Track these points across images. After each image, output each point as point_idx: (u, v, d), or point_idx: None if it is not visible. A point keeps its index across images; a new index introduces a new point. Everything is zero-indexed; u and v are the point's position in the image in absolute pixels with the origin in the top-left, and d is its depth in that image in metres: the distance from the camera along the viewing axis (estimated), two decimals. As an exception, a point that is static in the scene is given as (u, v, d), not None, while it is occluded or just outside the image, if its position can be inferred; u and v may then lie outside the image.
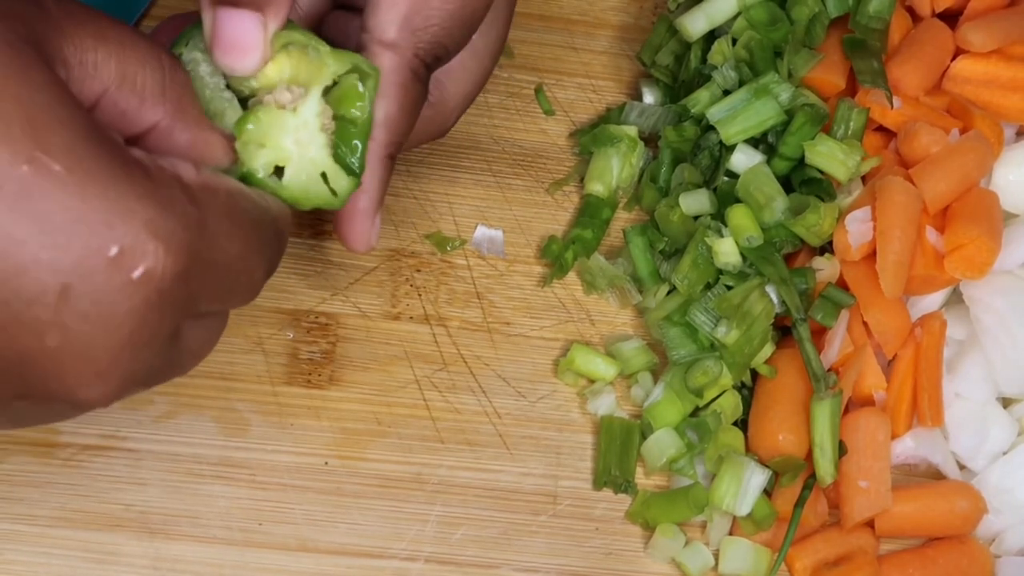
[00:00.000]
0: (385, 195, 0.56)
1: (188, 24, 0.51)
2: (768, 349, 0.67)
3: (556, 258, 0.72)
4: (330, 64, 0.51)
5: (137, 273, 0.42)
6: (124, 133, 0.46)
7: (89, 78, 0.44)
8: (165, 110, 0.46)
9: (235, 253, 0.46)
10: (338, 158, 0.52)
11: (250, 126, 0.49)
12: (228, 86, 0.50)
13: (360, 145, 0.52)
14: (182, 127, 0.47)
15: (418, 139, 0.59)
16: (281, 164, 0.51)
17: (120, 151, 0.42)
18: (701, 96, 0.71)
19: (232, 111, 0.50)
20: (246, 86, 0.50)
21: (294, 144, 0.51)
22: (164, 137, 0.47)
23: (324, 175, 0.52)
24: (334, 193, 0.52)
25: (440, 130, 0.61)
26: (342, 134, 0.52)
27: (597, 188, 0.73)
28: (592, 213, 0.73)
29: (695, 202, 0.70)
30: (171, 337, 0.45)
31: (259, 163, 0.50)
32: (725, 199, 0.69)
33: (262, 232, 0.48)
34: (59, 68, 0.42)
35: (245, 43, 0.49)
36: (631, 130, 0.73)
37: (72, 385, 0.43)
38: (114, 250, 0.41)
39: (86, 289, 0.41)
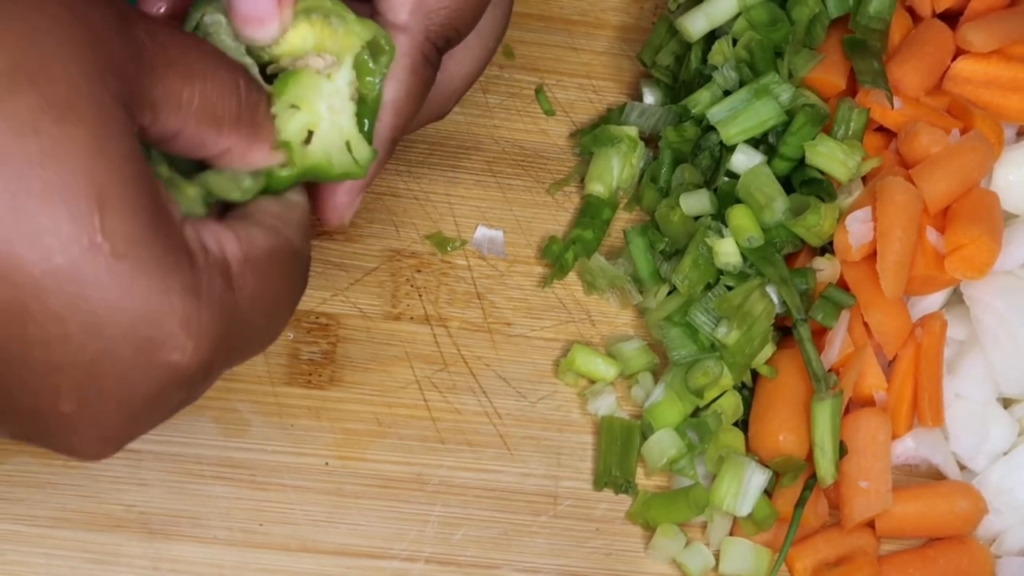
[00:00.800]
0: (375, 177, 0.56)
1: None
2: (768, 349, 0.67)
3: (556, 258, 0.72)
4: (358, 32, 0.51)
5: (163, 363, 0.43)
6: (197, 156, 0.47)
7: (173, 115, 0.45)
8: (240, 135, 0.47)
9: (264, 324, 0.47)
10: (360, 128, 0.52)
11: (292, 87, 0.50)
12: (249, 51, 0.51)
13: (368, 123, 0.52)
14: (256, 148, 0.48)
15: (418, 121, 0.59)
16: (312, 129, 0.51)
17: (174, 238, 0.43)
18: (701, 96, 0.71)
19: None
20: (267, 53, 0.51)
21: (327, 110, 0.51)
22: (238, 157, 0.48)
23: (348, 144, 0.52)
24: (357, 163, 0.52)
25: (440, 112, 0.61)
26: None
27: (597, 188, 0.73)
28: (592, 213, 0.73)
29: (695, 202, 0.70)
30: (179, 405, 0.46)
31: (294, 127, 0.50)
32: (725, 199, 0.69)
33: (294, 282, 0.49)
34: (147, 111, 0.43)
35: (261, 14, 0.49)
36: (631, 130, 0.73)
37: (74, 443, 0.45)
38: (146, 341, 0.42)
39: (110, 370, 0.42)
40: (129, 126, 0.42)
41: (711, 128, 0.70)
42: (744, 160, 0.69)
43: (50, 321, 0.41)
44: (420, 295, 0.71)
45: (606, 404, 0.69)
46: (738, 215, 0.68)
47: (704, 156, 0.71)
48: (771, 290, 0.67)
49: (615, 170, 0.73)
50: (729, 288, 0.67)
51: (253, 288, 0.46)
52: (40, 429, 0.44)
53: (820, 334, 0.68)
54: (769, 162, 0.69)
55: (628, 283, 0.71)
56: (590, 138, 0.74)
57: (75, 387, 0.42)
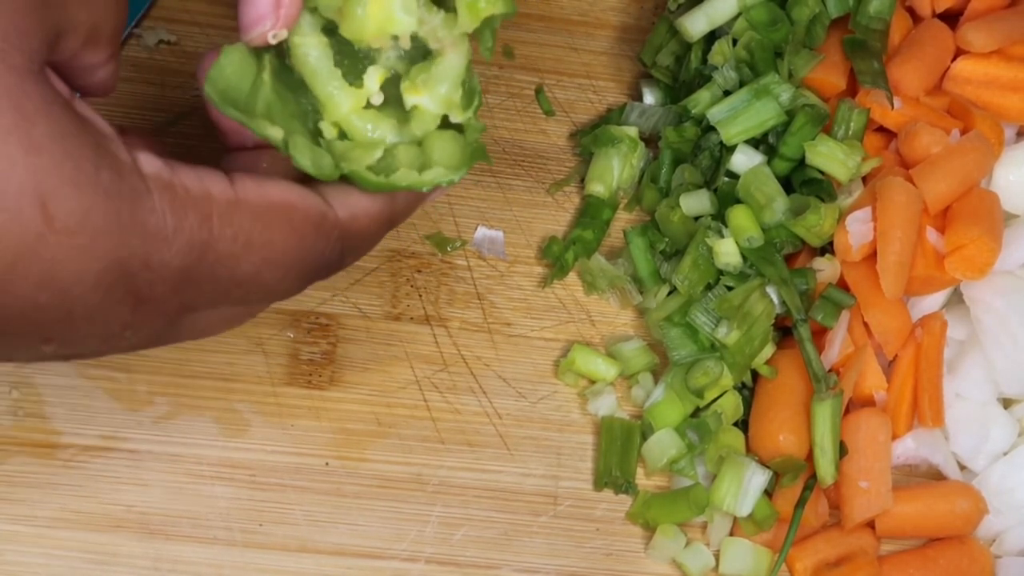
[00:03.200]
0: None
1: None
2: (769, 350, 0.68)
3: (557, 259, 0.72)
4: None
5: (131, 298, 0.44)
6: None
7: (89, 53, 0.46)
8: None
9: (258, 272, 0.48)
10: None
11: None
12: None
13: None
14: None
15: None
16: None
17: (128, 186, 0.43)
18: (702, 97, 0.72)
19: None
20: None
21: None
22: None
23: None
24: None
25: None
26: None
27: (598, 189, 0.73)
28: (593, 214, 0.73)
29: (696, 203, 0.70)
30: (165, 324, 0.47)
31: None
32: (725, 200, 0.69)
33: (307, 245, 0.49)
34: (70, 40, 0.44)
35: (261, 13, 0.50)
36: (631, 131, 0.73)
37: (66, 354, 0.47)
38: (111, 285, 0.44)
39: (82, 320, 0.44)
40: (47, 95, 0.42)
41: (711, 128, 0.70)
42: (744, 160, 0.69)
43: (23, 296, 0.42)
44: (420, 295, 0.71)
45: (606, 404, 0.69)
46: (738, 215, 0.68)
47: (704, 156, 0.71)
48: (771, 290, 0.67)
49: (615, 170, 0.73)
50: (729, 288, 0.67)
51: (244, 231, 0.47)
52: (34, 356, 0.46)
53: (820, 334, 0.68)
54: (769, 162, 0.69)
55: (628, 283, 0.71)
56: (590, 138, 0.74)
57: (50, 336, 0.44)
